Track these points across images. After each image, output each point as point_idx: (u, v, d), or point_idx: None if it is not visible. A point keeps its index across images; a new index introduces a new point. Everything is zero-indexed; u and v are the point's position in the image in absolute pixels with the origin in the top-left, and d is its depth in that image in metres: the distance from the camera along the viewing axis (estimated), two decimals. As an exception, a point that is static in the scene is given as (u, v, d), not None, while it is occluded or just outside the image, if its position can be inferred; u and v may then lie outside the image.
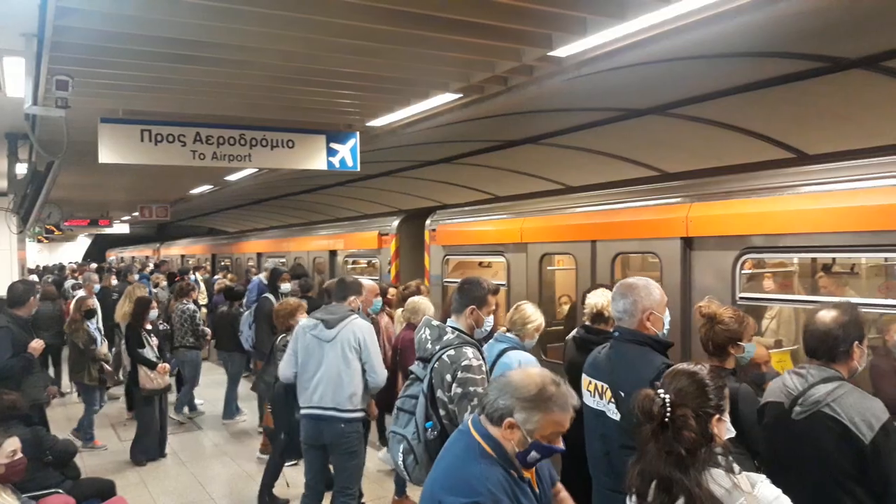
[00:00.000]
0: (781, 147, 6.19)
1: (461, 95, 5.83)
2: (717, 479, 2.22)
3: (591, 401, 3.43)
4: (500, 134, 7.79)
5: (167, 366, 7.57)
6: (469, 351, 3.68)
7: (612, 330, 3.67)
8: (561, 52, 4.54)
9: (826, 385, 2.86)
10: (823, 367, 2.92)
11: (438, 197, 11.35)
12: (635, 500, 2.36)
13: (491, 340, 4.43)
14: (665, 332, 3.36)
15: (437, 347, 3.79)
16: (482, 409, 2.50)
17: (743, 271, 5.01)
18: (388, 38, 4.45)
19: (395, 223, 9.69)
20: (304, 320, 5.38)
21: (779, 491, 2.24)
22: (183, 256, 21.90)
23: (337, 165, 7.25)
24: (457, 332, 3.80)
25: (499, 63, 4.99)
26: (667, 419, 2.28)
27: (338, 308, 5.11)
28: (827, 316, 2.96)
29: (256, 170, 9.77)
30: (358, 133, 7.31)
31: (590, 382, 3.48)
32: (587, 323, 4.64)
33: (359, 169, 7.42)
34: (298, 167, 7.27)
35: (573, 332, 4.82)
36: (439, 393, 3.69)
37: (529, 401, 2.40)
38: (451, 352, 3.70)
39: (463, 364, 3.63)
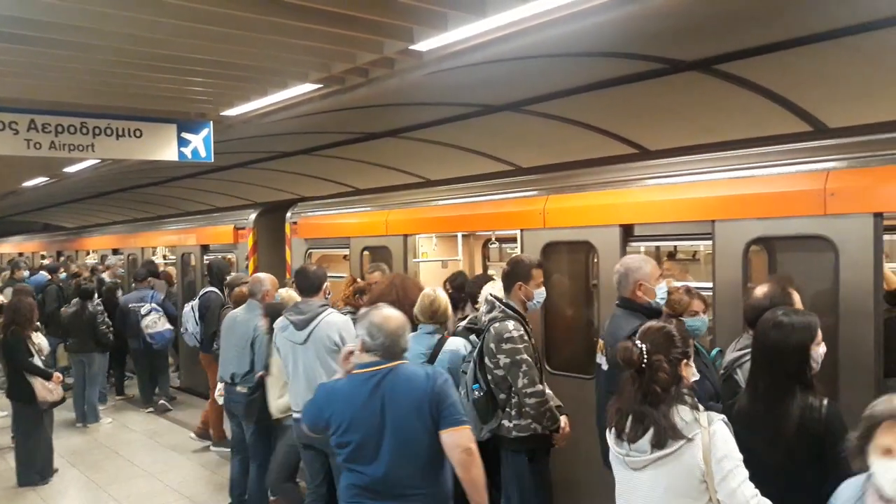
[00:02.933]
0: (627, 143, 6.55)
1: (321, 86, 5.71)
2: (681, 414, 2.72)
3: (599, 357, 4.07)
4: (362, 126, 7.72)
5: (60, 375, 7.09)
6: (511, 324, 4.24)
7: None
8: (422, 45, 4.56)
9: (740, 353, 3.31)
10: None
11: (298, 189, 11.08)
12: (614, 433, 2.86)
13: (418, 333, 4.68)
14: (659, 300, 3.91)
15: (487, 319, 4.34)
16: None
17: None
18: (243, 24, 4.27)
19: (253, 216, 9.38)
20: (278, 320, 5.10)
21: (732, 436, 2.69)
22: (21, 254, 20.17)
23: (189, 156, 6.89)
24: (502, 307, 4.32)
25: (360, 54, 4.93)
26: (644, 364, 2.76)
27: (307, 306, 4.85)
28: (759, 289, 3.42)
29: (100, 161, 9.10)
30: (212, 122, 6.97)
31: (600, 342, 4.10)
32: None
33: (213, 160, 7.10)
34: (147, 158, 6.84)
35: (463, 323, 5.01)
36: (486, 360, 4.29)
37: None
38: (497, 324, 4.27)
39: (506, 336, 4.20)
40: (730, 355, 3.43)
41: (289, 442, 5.36)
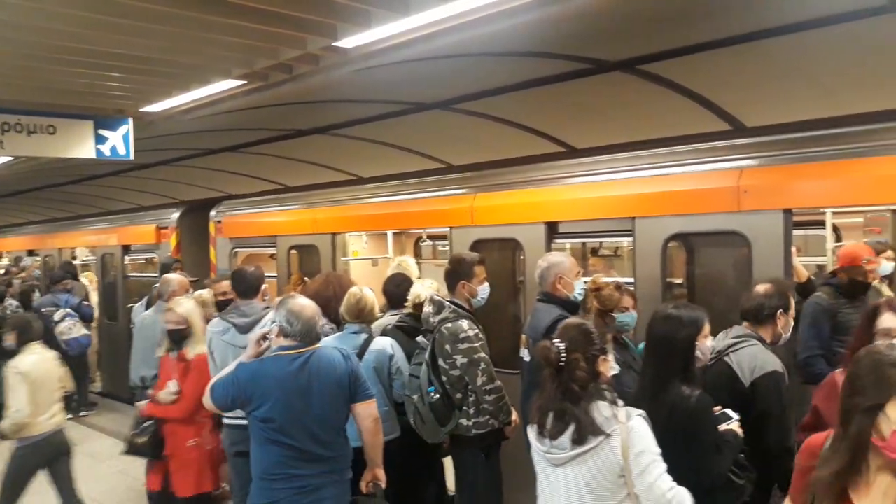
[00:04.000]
0: (554, 141, 6.64)
1: (245, 82, 5.58)
2: (600, 410, 2.80)
3: (523, 352, 4.27)
4: (288, 123, 7.59)
5: None
6: (465, 323, 4.26)
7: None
8: (346, 42, 4.51)
9: (735, 340, 3.46)
10: (747, 328, 3.54)
11: (225, 187, 10.80)
12: (535, 429, 2.92)
13: (344, 333, 4.71)
14: (577, 295, 4.13)
15: (437, 320, 4.31)
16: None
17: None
18: (162, 18, 4.13)
19: (176, 215, 9.12)
20: (212, 322, 4.91)
21: (650, 431, 2.78)
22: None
23: (108, 154, 6.63)
24: (453, 307, 4.31)
25: (283, 50, 4.85)
26: (562, 363, 2.82)
27: (250, 308, 4.70)
28: (760, 287, 3.58)
29: (11, 158, 8.67)
30: (131, 119, 6.72)
31: (524, 337, 4.29)
32: (411, 311, 4.95)
33: (133, 157, 6.86)
34: (62, 155, 6.54)
35: (395, 321, 5.00)
36: (440, 361, 4.28)
37: None
38: (450, 325, 4.26)
39: (461, 336, 4.22)
40: (723, 342, 3.53)
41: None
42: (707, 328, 3.32)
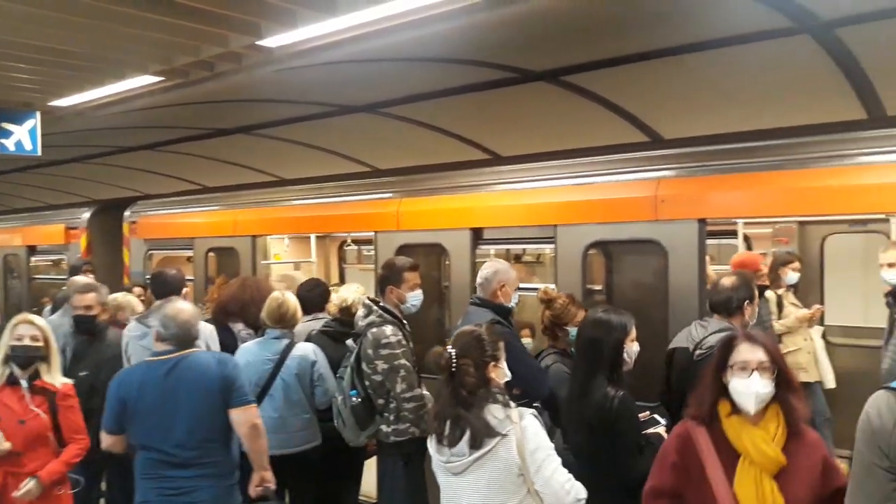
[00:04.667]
0: (480, 149, 6.69)
1: (163, 79, 5.39)
2: (493, 412, 2.88)
3: None
4: (209, 122, 7.38)
5: None
6: (388, 329, 4.19)
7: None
8: (270, 41, 4.42)
9: (719, 334, 3.52)
10: (721, 321, 3.73)
11: (139, 186, 10.41)
12: (435, 439, 2.99)
13: (264, 339, 4.71)
14: (514, 303, 4.22)
15: (364, 324, 4.25)
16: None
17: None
18: (73, 8, 3.95)
19: (87, 215, 8.73)
20: (130, 326, 4.75)
21: (542, 427, 2.91)
22: None
23: (12, 149, 6.29)
24: (379, 312, 4.24)
25: (204, 47, 4.71)
26: (453, 369, 2.90)
27: None
28: (727, 280, 3.80)
29: None
30: (39, 113, 6.40)
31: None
32: (337, 316, 4.94)
33: (40, 153, 6.52)
34: (-40, 149, 6.18)
35: (320, 326, 4.98)
36: (364, 365, 4.23)
37: None
38: (375, 329, 4.20)
39: (383, 342, 4.15)
40: (704, 334, 3.70)
41: None
42: (634, 332, 3.46)
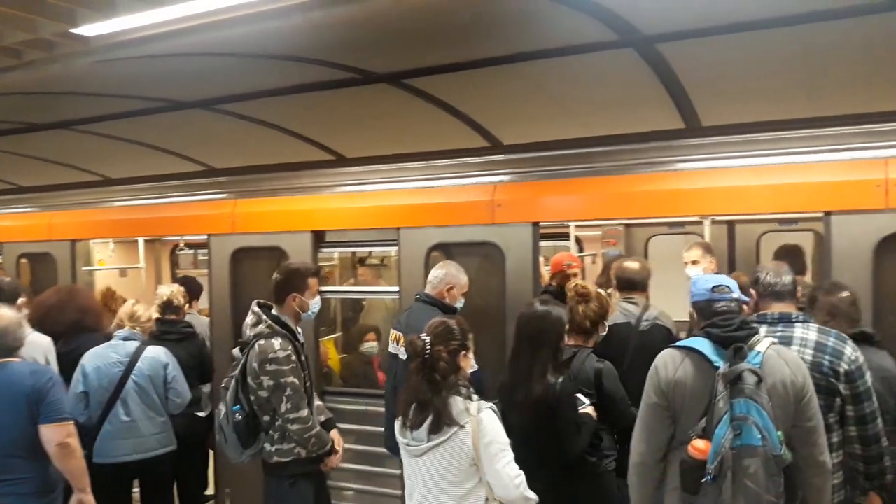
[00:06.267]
0: (323, 149, 6.57)
1: (-40, 65, 4.83)
2: (456, 404, 3.12)
3: (392, 348, 4.37)
4: (19, 115, 6.70)
5: None
6: (277, 343, 3.90)
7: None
8: (86, 30, 4.08)
9: (653, 309, 4.45)
10: (640, 297, 4.47)
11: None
12: (400, 421, 3.24)
13: (113, 341, 4.64)
14: (459, 305, 4.32)
15: (252, 334, 3.97)
16: None
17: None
18: None
19: None
20: None
21: (499, 422, 3.15)
22: None
23: None
24: (269, 322, 3.97)
25: (8, 32, 4.26)
26: (427, 354, 3.13)
27: None
28: (634, 265, 4.51)
29: None
30: None
31: (393, 334, 4.39)
32: (159, 315, 4.96)
33: None
34: None
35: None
36: (249, 379, 3.95)
37: None
38: (262, 342, 3.92)
39: (270, 356, 3.87)
40: (652, 311, 4.48)
41: None
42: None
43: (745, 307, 3.12)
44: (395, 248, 5.09)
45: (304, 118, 6.20)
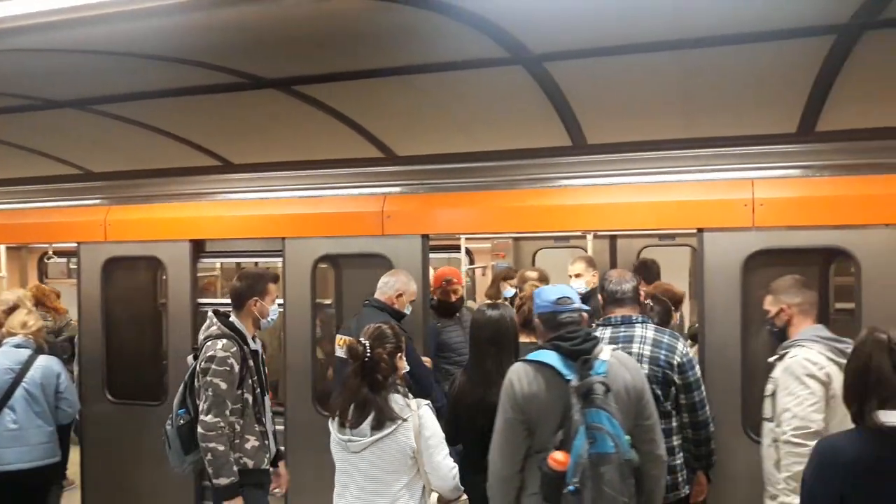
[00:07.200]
0: (209, 154, 6.33)
1: None
2: (395, 401, 3.31)
3: (339, 352, 4.39)
4: None
5: None
6: (220, 343, 3.90)
7: None
8: (-66, 19, 3.74)
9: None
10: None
11: None
12: (337, 421, 3.34)
13: (4, 348, 4.61)
14: (407, 310, 4.43)
15: (203, 337, 4.01)
16: None
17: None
18: None
19: None
20: None
21: (435, 417, 3.34)
22: None
23: None
24: (220, 324, 3.99)
25: None
26: (367, 357, 3.27)
27: None
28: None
29: None
30: None
31: (340, 339, 4.46)
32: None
33: None
34: None
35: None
36: (196, 382, 3.96)
37: None
38: (209, 342, 3.94)
39: (208, 354, 3.88)
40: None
41: None
42: None
43: (584, 315, 3.32)
44: (281, 259, 4.95)
45: (190, 122, 5.96)
